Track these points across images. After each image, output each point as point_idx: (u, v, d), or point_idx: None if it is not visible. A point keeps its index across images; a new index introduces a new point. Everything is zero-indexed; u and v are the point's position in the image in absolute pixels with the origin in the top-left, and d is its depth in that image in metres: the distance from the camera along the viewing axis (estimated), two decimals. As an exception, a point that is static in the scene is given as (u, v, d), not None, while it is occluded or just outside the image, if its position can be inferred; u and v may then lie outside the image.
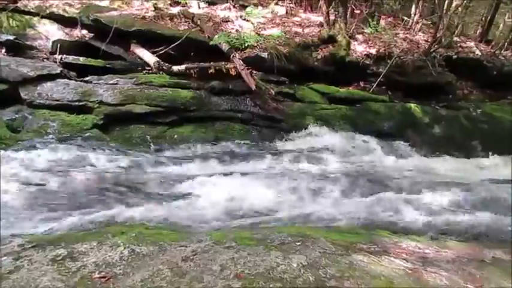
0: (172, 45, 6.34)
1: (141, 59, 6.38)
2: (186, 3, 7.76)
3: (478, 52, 7.64)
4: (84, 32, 6.94)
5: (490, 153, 6.05)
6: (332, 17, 7.38)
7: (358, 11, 8.41)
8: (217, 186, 4.54)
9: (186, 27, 6.90)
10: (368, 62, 6.91)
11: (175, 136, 5.37)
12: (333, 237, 3.10)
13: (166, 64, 6.13)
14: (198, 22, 6.95)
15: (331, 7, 7.60)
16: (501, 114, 6.63)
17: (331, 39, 7.08)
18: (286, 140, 5.73)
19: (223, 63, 6.09)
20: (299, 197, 4.50)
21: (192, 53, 6.55)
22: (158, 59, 6.15)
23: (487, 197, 4.69)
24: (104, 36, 6.39)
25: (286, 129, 5.87)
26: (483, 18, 8.66)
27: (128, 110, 5.39)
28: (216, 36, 6.50)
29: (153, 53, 6.34)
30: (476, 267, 2.70)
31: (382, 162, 5.40)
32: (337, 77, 6.83)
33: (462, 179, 5.30)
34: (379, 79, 6.71)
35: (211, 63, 6.10)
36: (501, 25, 8.37)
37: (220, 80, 6.03)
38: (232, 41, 6.52)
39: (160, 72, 6.11)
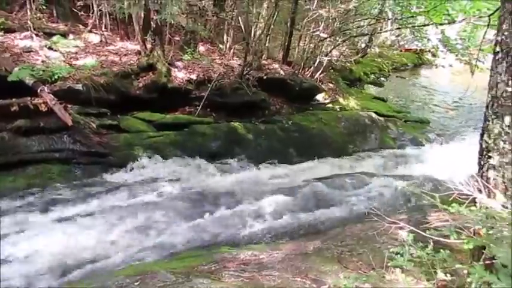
0: (-45, 82, 5.25)
1: None
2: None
3: (282, 72, 8.80)
4: None
5: (305, 157, 7.00)
6: (149, 45, 7.39)
7: (178, 38, 8.67)
8: (37, 242, 3.95)
9: (-26, 60, 5.82)
10: (190, 87, 7.14)
11: (-28, 191, 4.42)
12: (173, 266, 3.06)
13: (-51, 105, 5.03)
14: (-9, 54, 5.97)
15: (147, 35, 7.61)
16: (306, 123, 7.78)
17: (151, 67, 7.06)
18: (115, 175, 5.39)
19: (29, 98, 5.36)
20: (137, 233, 4.30)
21: (-14, 90, 5.56)
22: None
23: (308, 195, 5.42)
24: None
25: (114, 163, 5.52)
26: (282, 44, 10.08)
27: None
28: (17, 68, 5.70)
29: None
30: (301, 260, 3.05)
31: (214, 182, 5.62)
32: (162, 104, 6.84)
33: (286, 183, 5.98)
34: (202, 102, 7.00)
35: (14, 99, 5.29)
36: (296, 49, 9.90)
37: (28, 118, 5.27)
38: (38, 73, 5.82)
39: None
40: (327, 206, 5.06)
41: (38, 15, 7.66)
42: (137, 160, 5.64)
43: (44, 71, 5.91)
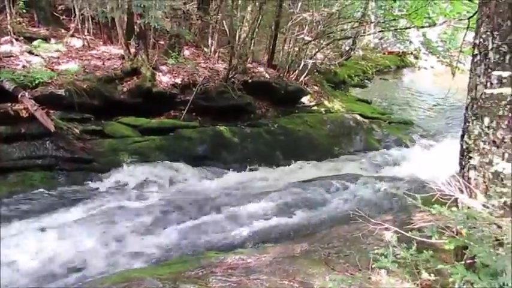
0: None
1: None
2: None
3: (267, 75, 8.82)
4: None
5: (291, 160, 7.01)
6: (133, 49, 7.33)
7: (162, 42, 8.61)
8: (22, 250, 3.87)
9: (-49, 66, 5.69)
10: (175, 91, 7.09)
11: (-51, 201, 4.30)
12: (160, 273, 3.03)
13: None
14: (-32, 59, 5.84)
15: (131, 39, 7.54)
16: (292, 126, 7.81)
17: (135, 72, 6.99)
18: (100, 180, 5.32)
19: (9, 104, 5.27)
20: (123, 239, 4.24)
21: (-37, 96, 5.43)
22: None
23: (295, 198, 5.42)
24: None
25: (99, 168, 5.45)
26: (267, 47, 10.11)
27: None
28: (-4, 74, 5.59)
29: None
30: (289, 263, 3.05)
31: (201, 186, 5.59)
32: (147, 108, 6.77)
33: (273, 186, 5.98)
34: (187, 106, 6.96)
35: (-7, 105, 5.19)
36: (281, 52, 9.94)
37: (8, 124, 5.18)
38: (19, 78, 5.71)
39: None
40: (313, 208, 5.08)
41: (18, 19, 7.53)
42: (122, 165, 5.59)
43: (24, 76, 5.81)
